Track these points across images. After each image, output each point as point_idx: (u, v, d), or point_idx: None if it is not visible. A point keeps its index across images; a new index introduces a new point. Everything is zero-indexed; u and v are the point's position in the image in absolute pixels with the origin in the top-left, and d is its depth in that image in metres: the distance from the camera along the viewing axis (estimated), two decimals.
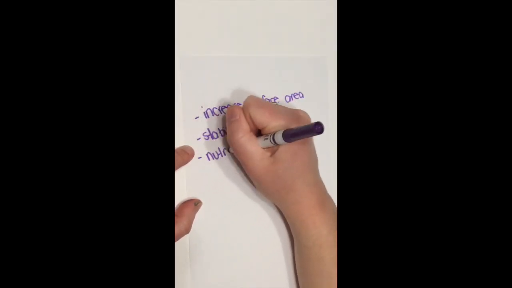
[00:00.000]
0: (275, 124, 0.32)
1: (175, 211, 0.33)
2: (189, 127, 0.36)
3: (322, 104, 0.41)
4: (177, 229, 0.32)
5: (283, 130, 0.30)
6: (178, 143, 0.35)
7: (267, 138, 0.32)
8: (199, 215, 0.35)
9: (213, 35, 0.37)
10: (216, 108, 0.36)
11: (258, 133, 0.34)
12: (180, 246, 0.34)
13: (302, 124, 0.33)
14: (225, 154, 0.37)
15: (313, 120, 0.35)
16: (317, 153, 0.35)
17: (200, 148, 0.36)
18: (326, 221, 0.33)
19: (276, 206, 0.38)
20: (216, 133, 0.36)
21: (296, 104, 0.39)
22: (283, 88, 0.39)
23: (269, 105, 0.33)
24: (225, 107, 0.37)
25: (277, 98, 0.39)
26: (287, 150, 0.32)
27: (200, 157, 0.36)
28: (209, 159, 0.36)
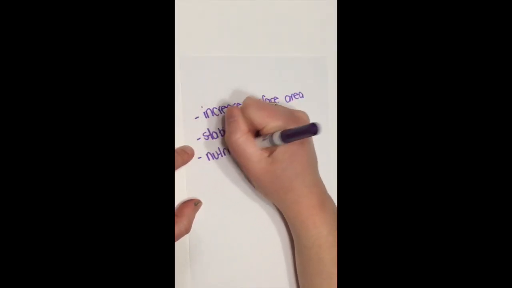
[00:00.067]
0: (273, 125, 0.32)
1: (175, 211, 0.33)
2: (189, 127, 0.36)
3: (322, 104, 0.41)
4: (177, 229, 0.32)
5: (280, 131, 0.30)
6: (178, 143, 0.35)
7: (265, 139, 0.32)
8: (199, 215, 0.35)
9: (213, 35, 0.37)
10: (216, 108, 0.36)
11: (257, 134, 0.34)
12: (180, 246, 0.34)
13: (301, 124, 0.33)
14: (225, 154, 0.37)
15: (313, 120, 0.35)
16: (317, 153, 0.35)
17: (200, 148, 0.36)
18: (326, 221, 0.33)
19: (276, 206, 0.38)
20: (216, 133, 0.36)
21: (296, 104, 0.39)
22: (283, 88, 0.39)
23: (268, 105, 0.33)
24: (225, 107, 0.37)
25: (277, 98, 0.39)
26: (285, 150, 0.32)
27: (200, 157, 0.36)
28: (209, 159, 0.36)
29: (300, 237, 0.34)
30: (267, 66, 0.39)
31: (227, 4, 0.37)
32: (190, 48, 0.36)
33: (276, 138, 0.31)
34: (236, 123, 0.33)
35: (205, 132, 0.36)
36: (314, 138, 0.34)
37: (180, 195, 0.35)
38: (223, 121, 0.37)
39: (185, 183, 0.35)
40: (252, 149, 0.32)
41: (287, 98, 0.39)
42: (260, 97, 0.38)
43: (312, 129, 0.27)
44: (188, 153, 0.35)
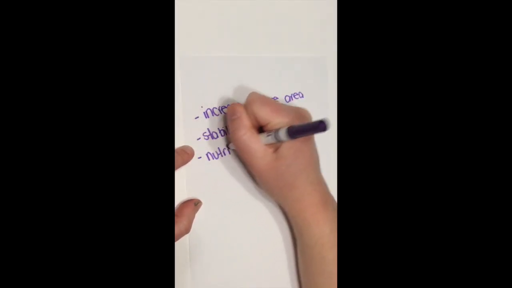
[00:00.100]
0: (278, 121, 0.32)
1: (175, 211, 0.33)
2: (189, 127, 0.36)
3: (322, 104, 0.41)
4: (177, 229, 0.32)
5: (287, 127, 0.30)
6: (178, 143, 0.35)
7: (269, 135, 0.32)
8: (199, 215, 0.35)
9: (213, 35, 0.37)
10: (216, 108, 0.36)
11: (260, 130, 0.34)
12: (180, 246, 0.34)
13: (305, 121, 0.33)
14: (225, 154, 0.37)
15: (314, 119, 0.35)
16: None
17: (200, 148, 0.36)
18: (329, 220, 0.33)
19: (277, 206, 0.38)
20: (216, 133, 0.36)
21: (296, 104, 0.39)
22: (283, 88, 0.39)
23: (272, 102, 0.33)
24: (225, 107, 0.37)
25: (277, 98, 0.39)
26: (290, 147, 0.32)
27: (200, 157, 0.36)
28: (209, 159, 0.36)
29: (302, 235, 0.34)
30: (267, 66, 0.39)
31: (227, 4, 0.37)
32: (190, 48, 0.36)
33: (282, 134, 0.30)
34: (240, 119, 0.33)
35: (205, 132, 0.36)
36: (314, 137, 0.34)
37: (180, 195, 0.35)
38: (223, 121, 0.37)
39: (185, 183, 0.35)
40: (256, 145, 0.32)
41: (287, 98, 0.39)
42: None
43: (321, 125, 0.27)
44: (188, 153, 0.35)
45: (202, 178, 0.36)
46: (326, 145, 0.39)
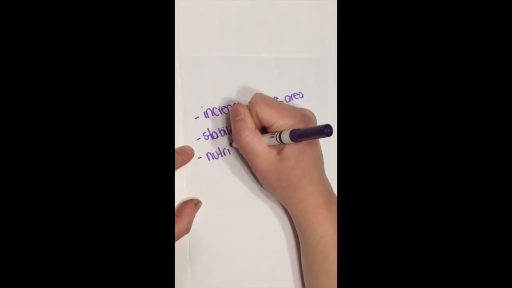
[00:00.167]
0: (281, 122, 0.32)
1: (175, 211, 0.33)
2: (189, 127, 0.36)
3: (322, 104, 0.41)
4: (177, 229, 0.32)
5: (290, 130, 0.30)
6: (178, 143, 0.35)
7: (273, 137, 0.32)
8: (199, 215, 0.35)
9: (213, 35, 0.37)
10: (216, 108, 0.36)
11: (263, 130, 0.34)
12: (180, 246, 0.34)
13: (309, 124, 0.33)
14: (225, 154, 0.37)
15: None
16: None
17: (200, 148, 0.36)
18: (332, 220, 0.33)
19: (277, 206, 0.38)
20: (216, 133, 0.36)
21: (296, 104, 0.39)
22: (283, 88, 0.39)
23: (276, 103, 0.33)
24: (225, 107, 0.37)
25: (277, 98, 0.39)
26: (293, 148, 0.32)
27: (200, 157, 0.36)
28: (209, 159, 0.36)
29: (305, 235, 0.34)
30: (267, 66, 0.39)
31: (227, 4, 0.37)
32: (190, 48, 0.36)
33: (286, 137, 0.30)
34: (244, 121, 0.33)
35: (205, 132, 0.36)
36: None
37: (180, 195, 0.35)
38: (223, 121, 0.37)
39: (185, 183, 0.35)
40: (260, 146, 0.32)
41: (287, 98, 0.39)
42: None
43: (326, 130, 0.27)
44: (188, 153, 0.35)
45: (202, 178, 0.36)
46: (326, 145, 0.39)
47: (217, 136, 0.37)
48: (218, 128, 0.37)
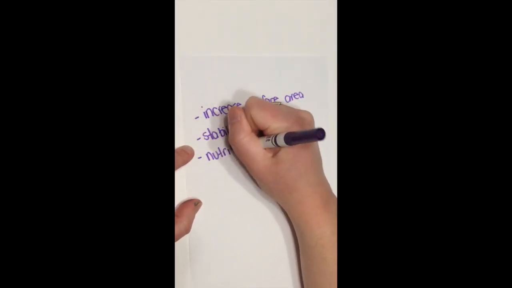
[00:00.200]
0: (276, 125, 0.32)
1: (175, 211, 0.33)
2: (189, 127, 0.36)
3: (322, 104, 0.41)
4: (177, 229, 0.32)
5: (284, 133, 0.30)
6: (178, 143, 0.35)
7: (268, 140, 0.32)
8: (199, 215, 0.35)
9: (213, 35, 0.37)
10: (216, 108, 0.36)
11: (260, 133, 0.34)
12: (180, 246, 0.34)
13: (305, 126, 0.33)
14: (225, 154, 0.37)
15: (315, 121, 0.35)
16: None
17: (200, 148, 0.36)
18: (330, 221, 0.33)
19: (277, 206, 0.38)
20: (216, 133, 0.36)
21: (296, 104, 0.39)
22: (283, 88, 0.39)
23: (271, 106, 0.33)
24: (225, 107, 0.37)
25: (277, 98, 0.39)
26: (289, 151, 0.32)
27: (200, 157, 0.36)
28: (209, 159, 0.36)
29: (303, 236, 0.34)
30: (267, 66, 0.39)
31: (227, 4, 0.37)
32: (190, 48, 0.36)
33: (280, 140, 0.30)
34: (239, 123, 0.33)
35: (205, 132, 0.36)
36: None
37: (180, 195, 0.35)
38: (223, 121, 0.37)
39: (185, 183, 0.35)
40: (256, 149, 0.33)
41: (287, 98, 0.39)
42: (260, 97, 0.38)
43: (318, 134, 0.27)
44: (188, 153, 0.35)
45: (202, 178, 0.36)
46: (326, 145, 0.39)
47: (217, 136, 0.37)
48: (218, 128, 0.37)
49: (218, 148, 0.36)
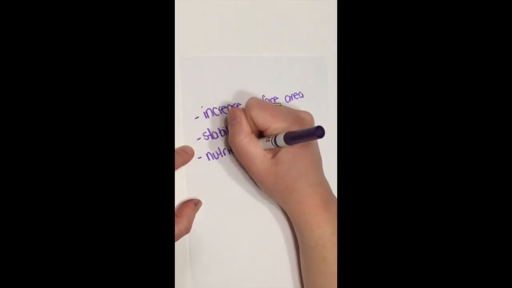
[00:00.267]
0: (276, 126, 0.32)
1: (175, 211, 0.33)
2: (189, 127, 0.36)
3: (322, 104, 0.41)
4: (177, 229, 0.32)
5: (284, 133, 0.30)
6: (178, 143, 0.35)
7: (268, 140, 0.32)
8: (199, 215, 0.35)
9: (213, 35, 0.37)
10: (216, 108, 0.36)
11: (260, 134, 0.34)
12: (180, 246, 0.34)
13: (305, 126, 0.33)
14: (225, 154, 0.37)
15: (315, 120, 0.35)
16: None
17: (200, 148, 0.36)
18: (330, 221, 0.33)
19: (278, 207, 0.38)
20: (216, 133, 0.36)
21: (296, 104, 0.39)
22: (283, 88, 0.39)
23: (271, 107, 0.33)
24: (225, 107, 0.37)
25: (277, 98, 0.39)
26: (288, 151, 0.32)
27: (200, 157, 0.36)
28: (209, 159, 0.36)
29: (304, 236, 0.34)
30: (267, 66, 0.39)
31: (227, 4, 0.37)
32: (190, 48, 0.36)
33: (280, 140, 0.31)
34: (239, 124, 0.33)
35: (205, 132, 0.36)
36: None
37: (180, 195, 0.35)
38: (223, 121, 0.37)
39: (185, 183, 0.35)
40: (255, 150, 0.33)
41: (287, 98, 0.39)
42: (260, 97, 0.38)
43: (317, 132, 0.27)
44: (188, 153, 0.35)
45: (202, 178, 0.36)
46: (326, 145, 0.39)
47: (217, 136, 0.37)
48: (218, 128, 0.37)
49: (218, 148, 0.36)
